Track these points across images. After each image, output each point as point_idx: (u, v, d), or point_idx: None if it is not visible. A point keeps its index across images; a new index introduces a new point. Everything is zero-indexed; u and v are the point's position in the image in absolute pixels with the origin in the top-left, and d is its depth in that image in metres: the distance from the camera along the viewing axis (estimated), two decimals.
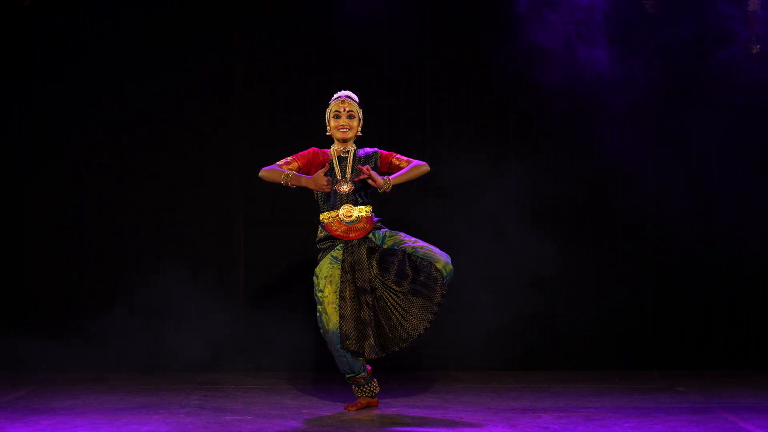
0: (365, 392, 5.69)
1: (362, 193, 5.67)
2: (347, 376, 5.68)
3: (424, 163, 5.69)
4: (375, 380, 5.72)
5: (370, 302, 5.52)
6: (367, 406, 5.69)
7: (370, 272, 5.56)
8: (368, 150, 5.78)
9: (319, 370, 7.00)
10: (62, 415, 5.43)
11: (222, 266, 7.18)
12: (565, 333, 7.20)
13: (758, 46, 6.88)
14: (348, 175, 5.66)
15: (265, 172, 5.60)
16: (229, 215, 7.19)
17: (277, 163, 5.65)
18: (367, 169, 5.51)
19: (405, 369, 7.00)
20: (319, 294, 5.59)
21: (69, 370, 6.96)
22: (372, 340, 5.48)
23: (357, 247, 5.58)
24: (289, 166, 5.62)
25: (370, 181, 5.51)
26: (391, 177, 5.57)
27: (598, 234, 7.24)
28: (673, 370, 7.11)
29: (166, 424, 5.20)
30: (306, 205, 6.10)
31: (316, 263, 5.67)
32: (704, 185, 7.23)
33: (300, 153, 5.71)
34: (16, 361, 6.98)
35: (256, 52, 7.20)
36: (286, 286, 7.17)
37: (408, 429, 5.16)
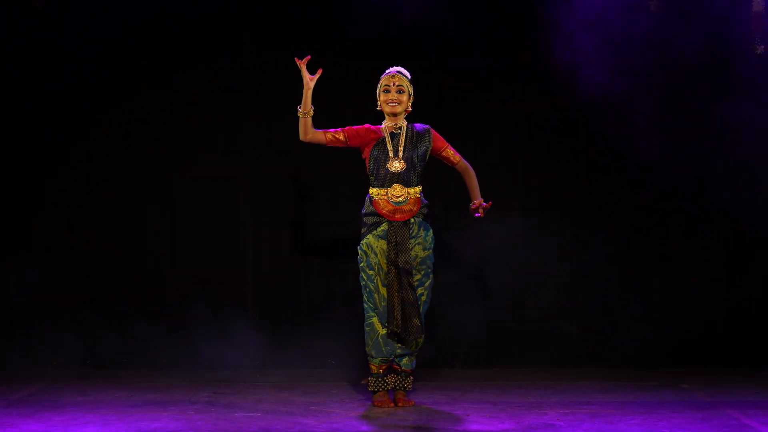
0: (381, 385, 5.66)
1: (415, 173, 5.63)
2: (379, 359, 5.62)
3: (470, 166, 5.72)
4: (390, 375, 5.70)
5: (414, 284, 5.56)
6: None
7: (409, 255, 5.56)
8: (420, 127, 5.71)
9: (327, 367, 7.04)
10: (73, 412, 5.48)
11: (231, 269, 7.21)
12: (570, 331, 7.22)
13: (762, 47, 6.89)
14: (401, 152, 5.62)
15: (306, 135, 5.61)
16: (239, 221, 7.21)
17: (326, 129, 5.66)
18: (486, 206, 5.51)
19: None
20: (371, 272, 5.60)
21: (79, 366, 7.01)
22: (416, 320, 5.51)
23: (400, 229, 5.57)
24: (331, 134, 5.62)
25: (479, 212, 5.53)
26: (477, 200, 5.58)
27: (606, 230, 7.26)
28: (677, 368, 7.11)
29: (176, 421, 5.24)
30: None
31: (360, 236, 5.66)
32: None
33: (352, 126, 5.68)
34: (27, 358, 7.03)
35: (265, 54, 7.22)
36: (294, 286, 7.22)
37: (415, 426, 5.19)
